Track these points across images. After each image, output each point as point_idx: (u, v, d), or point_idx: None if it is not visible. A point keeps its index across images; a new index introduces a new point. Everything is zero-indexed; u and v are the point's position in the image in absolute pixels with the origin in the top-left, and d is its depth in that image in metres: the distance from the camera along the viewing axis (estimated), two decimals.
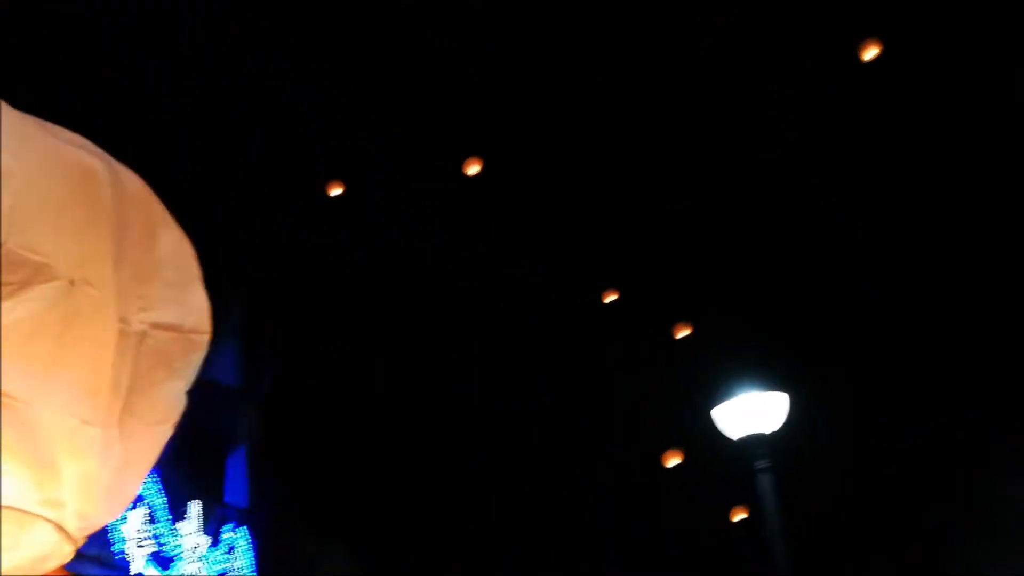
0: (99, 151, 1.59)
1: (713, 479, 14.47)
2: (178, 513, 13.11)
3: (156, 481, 12.45)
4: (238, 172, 13.32)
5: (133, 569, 11.92)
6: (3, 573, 1.47)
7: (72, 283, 1.46)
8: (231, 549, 14.35)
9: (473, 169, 12.25)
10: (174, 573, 12.73)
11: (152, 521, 12.39)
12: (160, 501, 12.63)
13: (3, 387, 1.38)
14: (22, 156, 1.42)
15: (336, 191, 13.04)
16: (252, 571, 14.73)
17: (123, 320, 1.59)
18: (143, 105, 12.21)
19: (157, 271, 1.64)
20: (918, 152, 13.04)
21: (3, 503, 1.37)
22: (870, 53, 11.18)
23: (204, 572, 13.45)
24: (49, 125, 1.58)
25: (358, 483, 16.36)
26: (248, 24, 12.04)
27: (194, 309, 1.71)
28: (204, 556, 13.51)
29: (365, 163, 13.67)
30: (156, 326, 1.65)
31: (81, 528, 1.48)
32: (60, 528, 1.45)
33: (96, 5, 11.28)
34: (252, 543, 14.80)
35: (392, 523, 16.42)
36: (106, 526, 11.23)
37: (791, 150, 13.46)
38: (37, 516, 1.42)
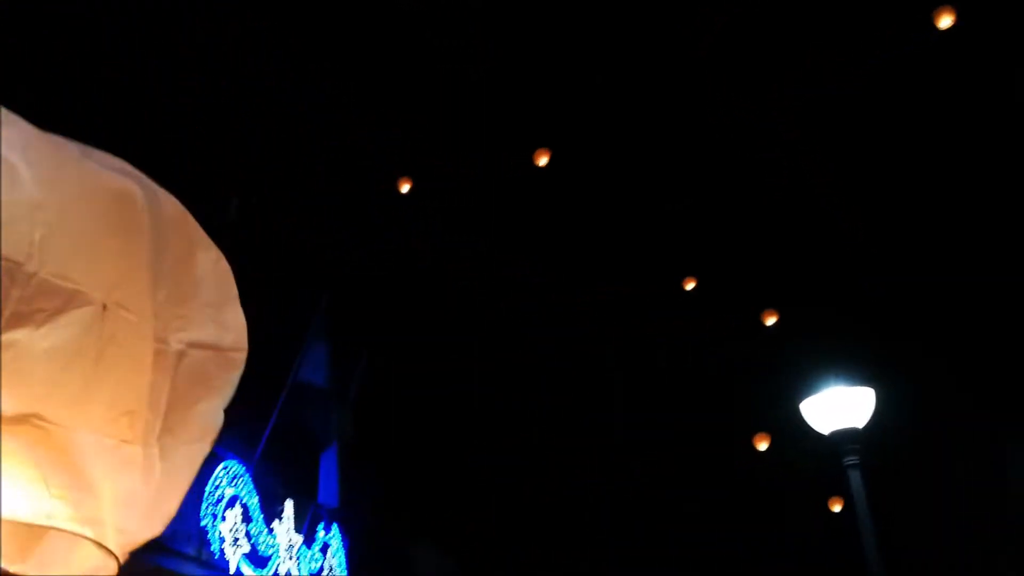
0: (138, 175, 1.61)
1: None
2: (273, 513, 13.09)
3: (250, 481, 12.45)
4: (238, 172, 13.28)
5: (230, 569, 11.85)
6: None
7: (105, 307, 1.49)
8: (325, 548, 14.40)
9: (543, 160, 12.09)
10: (269, 572, 12.69)
11: (247, 520, 12.34)
12: (254, 501, 12.59)
13: (40, 412, 1.39)
14: (56, 186, 1.47)
15: (406, 186, 12.88)
16: (345, 570, 14.82)
17: (161, 340, 1.61)
18: (143, 105, 12.17)
19: (195, 291, 1.67)
20: (918, 152, 13.05)
21: (51, 524, 1.39)
22: (944, 21, 10.94)
23: (298, 571, 13.45)
24: (90, 150, 1.59)
25: (448, 481, 16.40)
26: (248, 24, 12.00)
27: (232, 327, 1.72)
28: (298, 555, 13.51)
29: (365, 163, 13.65)
30: (194, 345, 1.66)
31: (122, 544, 1.50)
32: (100, 546, 1.46)
33: (96, 5, 11.23)
34: (345, 542, 14.88)
35: (481, 521, 16.46)
36: (204, 526, 11.13)
37: (791, 150, 13.46)
38: (78, 536, 1.44)
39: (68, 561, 1.53)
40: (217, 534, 11.70)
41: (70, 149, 1.54)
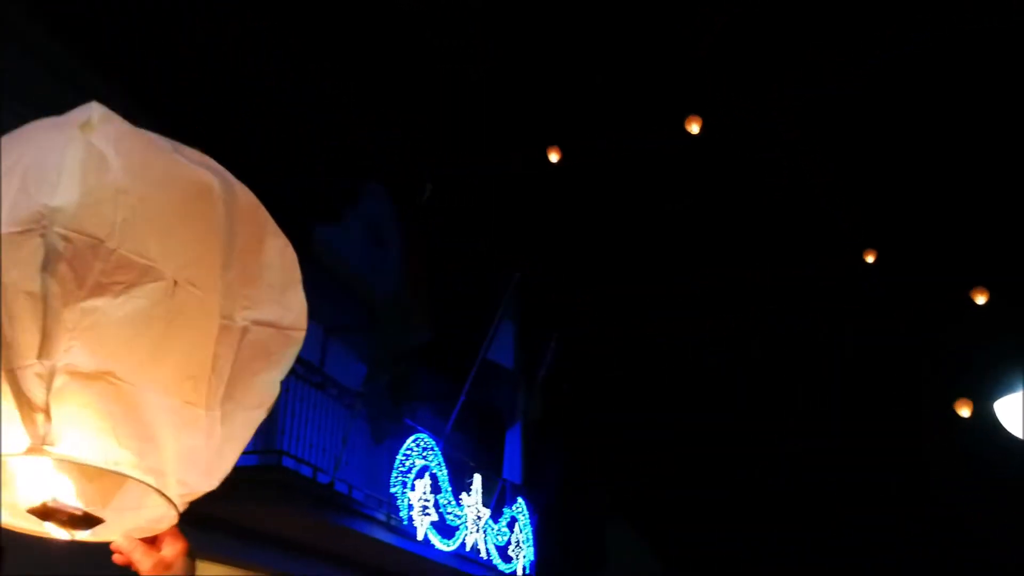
0: (219, 168, 1.84)
1: None
2: (461, 485, 13.38)
3: (440, 454, 12.74)
4: (238, 172, 13.25)
5: (418, 536, 12.14)
6: (128, 532, 1.77)
7: (176, 283, 1.66)
8: (512, 523, 14.69)
9: (694, 128, 11.98)
10: (455, 542, 12.94)
11: (436, 491, 12.62)
12: (444, 473, 12.85)
13: (113, 370, 1.58)
14: (141, 175, 1.67)
15: (553, 156, 12.79)
16: (532, 546, 15.10)
17: (228, 317, 1.76)
18: (143, 105, 12.15)
19: (261, 275, 1.83)
20: (918, 152, 13.11)
21: (117, 470, 1.59)
22: None
23: (485, 543, 13.71)
24: (181, 146, 1.82)
25: (636, 460, 16.48)
26: (248, 24, 12.02)
27: (292, 308, 1.88)
28: (485, 528, 13.77)
29: (365, 163, 13.67)
30: (257, 323, 1.81)
31: (182, 495, 1.71)
32: (162, 495, 1.68)
33: (96, 5, 11.24)
34: (532, 519, 15.16)
35: (672, 501, 16.53)
36: (394, 493, 11.47)
37: (791, 150, 13.51)
38: (145, 485, 1.65)
39: (139, 507, 1.75)
40: (406, 502, 11.98)
41: (161, 144, 1.78)
